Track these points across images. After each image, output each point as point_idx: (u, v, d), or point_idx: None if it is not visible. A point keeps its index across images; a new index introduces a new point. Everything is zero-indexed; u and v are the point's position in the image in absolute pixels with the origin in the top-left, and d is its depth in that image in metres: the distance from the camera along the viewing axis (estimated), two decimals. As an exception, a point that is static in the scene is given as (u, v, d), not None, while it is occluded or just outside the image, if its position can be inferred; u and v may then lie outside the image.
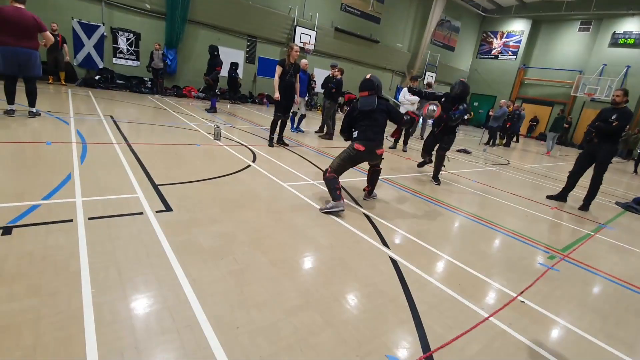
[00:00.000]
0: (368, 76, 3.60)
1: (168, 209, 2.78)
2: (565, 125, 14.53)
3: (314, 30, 14.96)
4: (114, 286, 1.76)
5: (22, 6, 4.94)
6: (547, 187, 6.33)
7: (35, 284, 1.69)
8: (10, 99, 5.18)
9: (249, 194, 3.46)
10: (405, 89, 8.47)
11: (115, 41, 11.22)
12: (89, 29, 10.58)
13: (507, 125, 12.09)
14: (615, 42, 17.25)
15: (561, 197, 5.25)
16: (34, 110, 5.31)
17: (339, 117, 8.98)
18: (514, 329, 1.93)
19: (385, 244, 2.79)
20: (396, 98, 14.48)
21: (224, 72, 11.35)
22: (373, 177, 3.79)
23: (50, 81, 9.78)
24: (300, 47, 5.87)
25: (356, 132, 3.54)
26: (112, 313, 1.58)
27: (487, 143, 11.79)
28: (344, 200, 3.29)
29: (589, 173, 4.99)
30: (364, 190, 3.91)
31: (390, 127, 4.56)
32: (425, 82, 17.21)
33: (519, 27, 20.98)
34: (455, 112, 4.72)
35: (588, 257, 3.23)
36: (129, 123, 6.11)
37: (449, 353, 1.68)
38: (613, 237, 3.97)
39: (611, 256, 3.38)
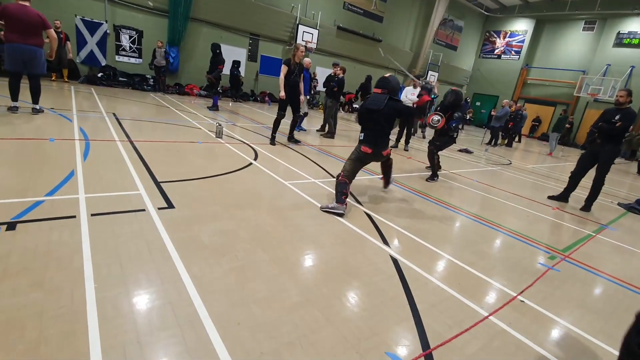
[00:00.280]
0: (387, 75, 3.61)
1: (170, 206, 2.80)
2: (566, 125, 14.44)
3: (316, 28, 14.93)
4: (116, 282, 1.78)
5: (27, 3, 4.95)
6: (548, 187, 6.31)
7: (39, 278, 1.71)
8: (15, 96, 5.20)
9: (250, 192, 3.47)
10: (407, 88, 8.47)
11: (117, 39, 11.25)
12: (92, 27, 10.60)
13: (510, 125, 12.06)
14: (619, 42, 17.13)
15: (563, 197, 5.23)
16: (37, 107, 5.33)
17: (341, 115, 8.96)
18: (514, 328, 1.94)
19: (386, 242, 2.80)
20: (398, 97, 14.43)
21: (226, 70, 11.33)
22: (386, 170, 4.06)
23: (53, 78, 9.84)
24: (303, 47, 5.87)
25: (362, 134, 3.57)
26: (114, 308, 1.59)
27: (489, 143, 11.77)
28: (346, 206, 3.30)
29: (591, 173, 4.97)
30: (381, 179, 4.27)
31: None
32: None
33: (522, 27, 20.86)
34: (452, 122, 5.01)
35: (589, 257, 3.22)
36: (131, 120, 6.14)
37: (448, 351, 1.69)
38: (615, 238, 3.96)
39: (612, 257, 3.38)
